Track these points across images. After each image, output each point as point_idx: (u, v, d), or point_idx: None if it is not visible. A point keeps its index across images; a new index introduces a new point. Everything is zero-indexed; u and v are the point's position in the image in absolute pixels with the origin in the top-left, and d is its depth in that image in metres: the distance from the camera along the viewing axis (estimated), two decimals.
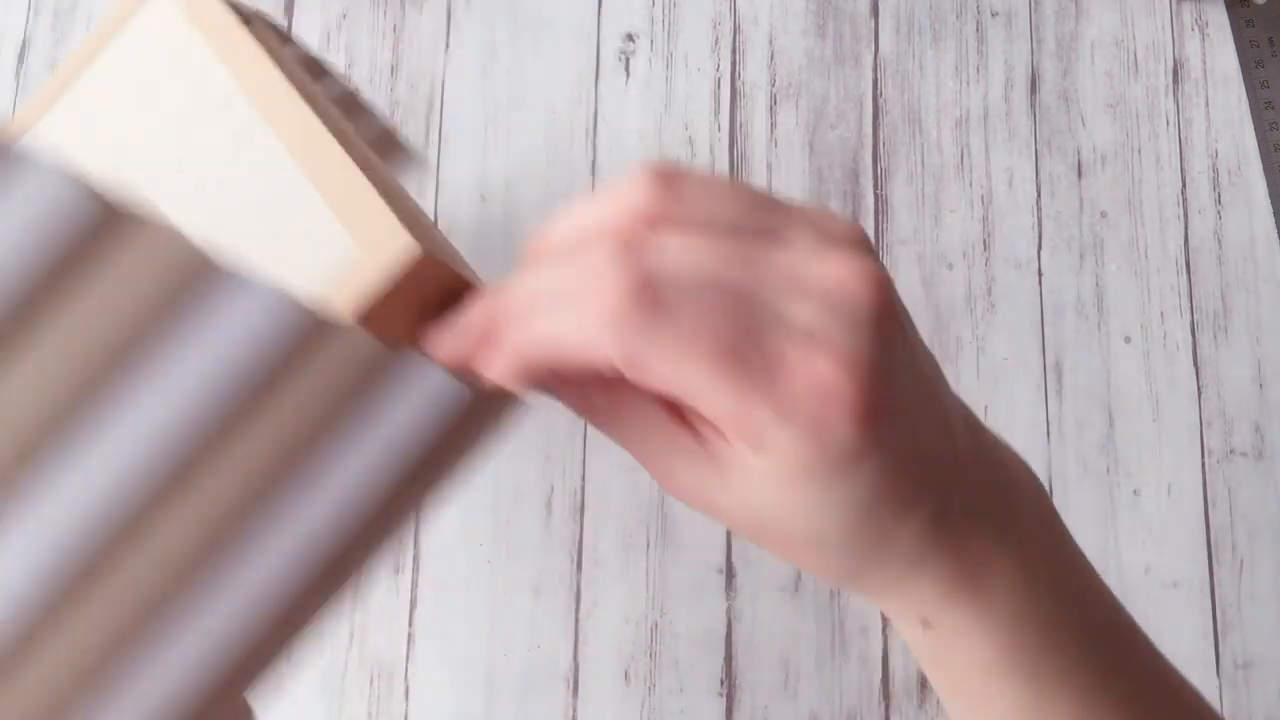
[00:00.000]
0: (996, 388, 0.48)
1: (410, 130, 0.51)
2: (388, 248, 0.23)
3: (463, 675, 0.45)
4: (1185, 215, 0.50)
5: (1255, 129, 0.51)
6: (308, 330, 0.20)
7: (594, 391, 0.22)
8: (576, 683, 0.45)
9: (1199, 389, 0.48)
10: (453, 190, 0.50)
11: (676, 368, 0.19)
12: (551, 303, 0.20)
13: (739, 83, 0.51)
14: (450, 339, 0.22)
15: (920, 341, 0.22)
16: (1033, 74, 0.51)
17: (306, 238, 0.26)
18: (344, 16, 0.52)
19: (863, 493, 0.20)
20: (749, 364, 0.19)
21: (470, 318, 0.21)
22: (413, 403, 0.21)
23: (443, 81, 0.51)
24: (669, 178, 0.20)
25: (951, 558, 0.22)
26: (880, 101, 0.51)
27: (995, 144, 0.51)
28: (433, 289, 0.23)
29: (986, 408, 0.48)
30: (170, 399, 0.19)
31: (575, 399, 0.22)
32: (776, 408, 0.19)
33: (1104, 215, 0.50)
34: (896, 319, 0.20)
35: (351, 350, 0.20)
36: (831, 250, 0.20)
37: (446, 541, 0.46)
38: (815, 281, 0.19)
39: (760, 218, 0.20)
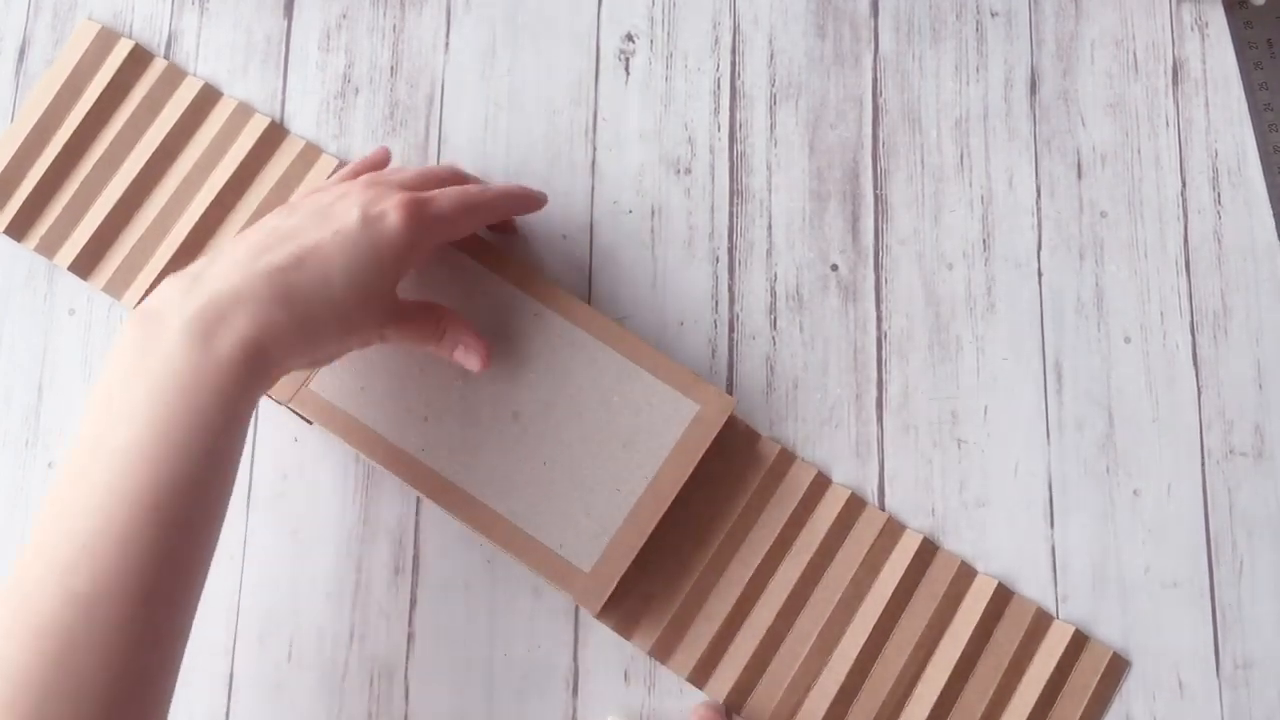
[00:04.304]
0: (996, 388, 0.48)
1: (410, 130, 0.51)
2: (720, 403, 0.45)
3: (463, 675, 0.45)
4: (1185, 215, 0.50)
5: (1255, 129, 0.51)
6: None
7: None
8: (576, 683, 0.45)
9: (1199, 389, 0.48)
10: None
11: None
12: None
13: (739, 83, 0.51)
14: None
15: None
16: (1033, 74, 0.51)
17: (660, 406, 0.44)
18: (344, 16, 0.52)
19: None
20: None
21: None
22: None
23: (443, 81, 0.51)
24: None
25: None
26: (880, 101, 0.51)
27: (995, 144, 0.51)
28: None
29: (987, 408, 0.48)
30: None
31: None
32: None
33: (1104, 215, 0.50)
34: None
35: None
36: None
37: (446, 541, 0.46)
38: None
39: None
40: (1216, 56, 0.52)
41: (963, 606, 0.45)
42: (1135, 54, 0.52)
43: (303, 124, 0.51)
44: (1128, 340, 0.49)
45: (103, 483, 0.33)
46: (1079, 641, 0.45)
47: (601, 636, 0.45)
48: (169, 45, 0.52)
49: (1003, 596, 0.45)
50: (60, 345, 0.49)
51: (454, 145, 0.51)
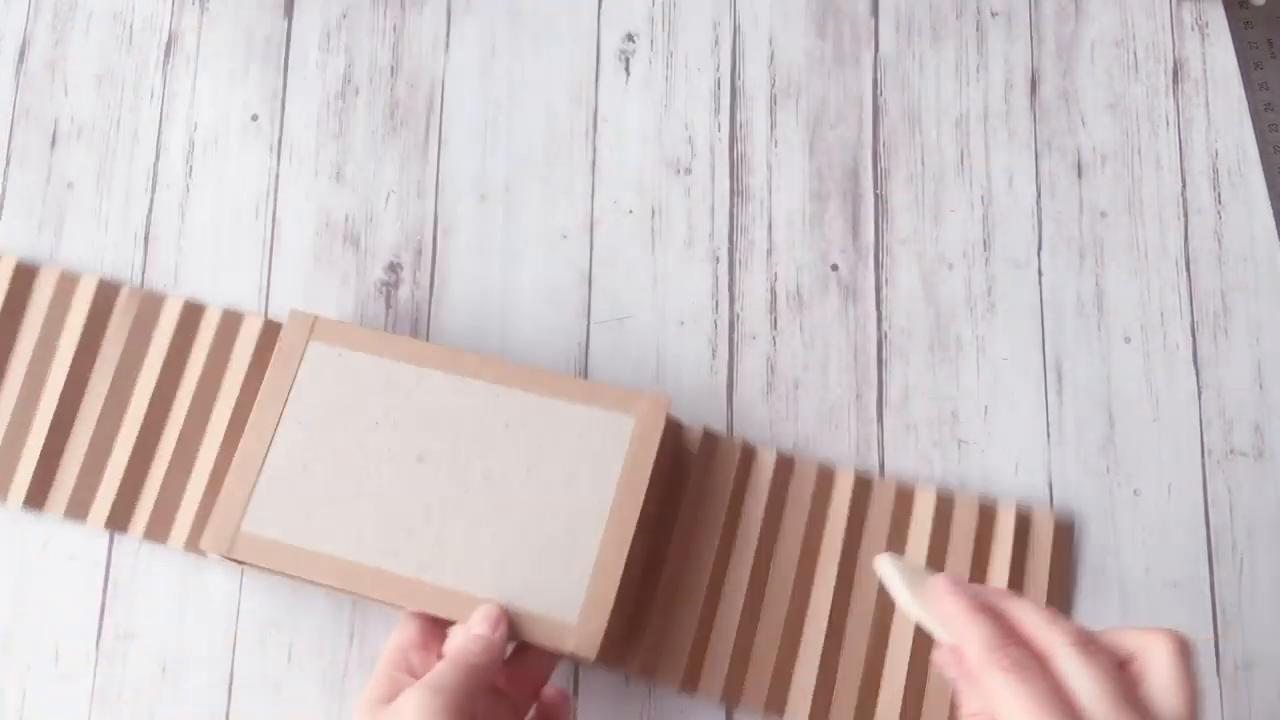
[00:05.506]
0: (996, 388, 0.48)
1: (410, 130, 0.51)
2: (657, 403, 0.42)
3: None
4: (1185, 215, 0.50)
5: (1255, 129, 0.51)
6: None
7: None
8: (576, 683, 0.45)
9: (1199, 389, 0.48)
10: (452, 190, 0.50)
11: None
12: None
13: (739, 83, 0.51)
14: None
15: None
16: (1033, 74, 0.52)
17: (597, 426, 0.42)
18: (344, 16, 0.52)
19: None
20: None
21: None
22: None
23: (443, 81, 0.51)
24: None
25: None
26: (880, 101, 0.51)
27: (995, 144, 0.51)
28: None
29: (987, 408, 0.48)
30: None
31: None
32: None
33: (1104, 215, 0.50)
34: None
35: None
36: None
37: None
38: None
39: None
40: (1216, 56, 0.52)
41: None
42: (1135, 54, 0.52)
43: (303, 124, 0.51)
44: (1128, 340, 0.49)
45: None
46: (1024, 520, 0.45)
47: None
48: (169, 45, 0.52)
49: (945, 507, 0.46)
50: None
51: (454, 145, 0.51)
